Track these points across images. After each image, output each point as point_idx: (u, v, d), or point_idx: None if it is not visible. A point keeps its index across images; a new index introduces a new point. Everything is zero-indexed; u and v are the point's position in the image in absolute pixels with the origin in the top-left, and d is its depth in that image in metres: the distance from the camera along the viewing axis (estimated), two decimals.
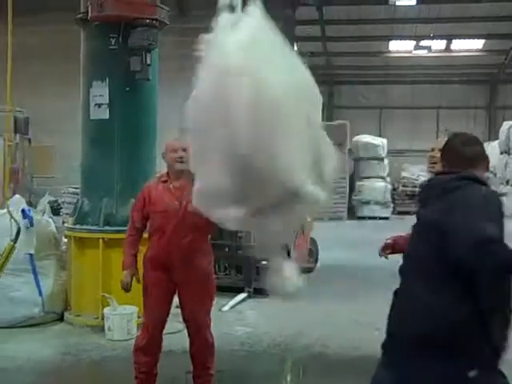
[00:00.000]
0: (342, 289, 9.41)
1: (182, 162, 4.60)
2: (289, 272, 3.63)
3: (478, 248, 2.57)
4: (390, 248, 3.62)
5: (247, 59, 2.94)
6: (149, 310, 4.80)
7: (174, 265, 4.66)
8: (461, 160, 3.01)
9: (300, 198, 3.04)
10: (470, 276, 2.70)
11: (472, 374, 2.74)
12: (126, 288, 4.82)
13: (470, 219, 2.67)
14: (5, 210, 7.25)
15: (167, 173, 4.81)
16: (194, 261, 4.68)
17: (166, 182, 4.75)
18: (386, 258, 3.69)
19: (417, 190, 22.71)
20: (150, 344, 4.73)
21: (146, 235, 4.92)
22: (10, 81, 6.95)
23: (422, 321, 2.80)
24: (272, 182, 2.97)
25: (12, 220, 6.94)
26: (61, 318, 7.30)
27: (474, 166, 3.01)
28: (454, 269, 2.70)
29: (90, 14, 7.03)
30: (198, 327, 4.80)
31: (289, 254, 9.30)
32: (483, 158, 3.11)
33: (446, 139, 4.13)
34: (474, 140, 3.16)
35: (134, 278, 4.84)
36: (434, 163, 4.13)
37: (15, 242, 6.68)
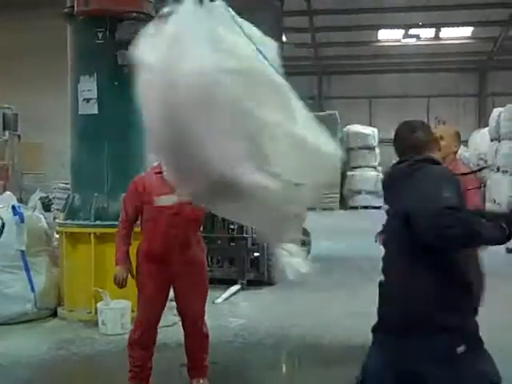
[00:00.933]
0: (336, 278, 9.43)
1: None
2: (295, 255, 3.64)
3: (441, 216, 2.66)
4: None
5: (161, 53, 2.92)
6: (143, 304, 4.78)
7: (170, 257, 4.65)
8: (413, 146, 3.12)
9: (237, 187, 2.94)
10: (439, 249, 2.79)
11: (460, 349, 2.81)
12: (122, 284, 4.77)
13: (431, 193, 2.77)
14: None
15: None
16: (190, 252, 4.68)
17: (160, 173, 4.56)
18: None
19: None
20: (144, 337, 4.73)
21: (137, 229, 4.91)
22: None
23: (402, 302, 2.90)
24: (199, 171, 2.96)
25: None
26: (54, 314, 7.30)
27: (428, 150, 3.12)
28: (423, 244, 2.78)
29: (76, 9, 7.00)
30: (194, 319, 4.81)
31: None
32: (434, 140, 3.25)
33: (437, 127, 4.18)
34: (420, 125, 3.25)
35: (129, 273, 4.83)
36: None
37: None
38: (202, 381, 4.90)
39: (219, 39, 2.91)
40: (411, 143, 3.14)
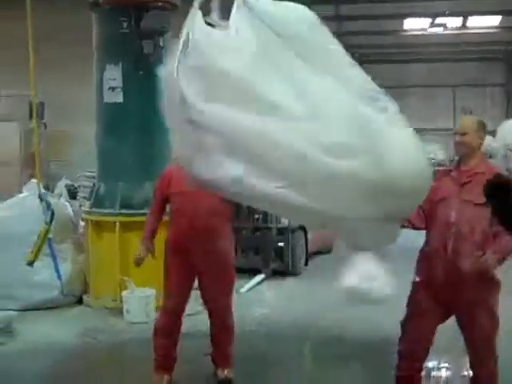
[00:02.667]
0: None
1: None
2: (370, 273, 3.47)
3: None
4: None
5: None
6: (169, 293, 4.81)
7: (193, 248, 4.66)
8: None
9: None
10: None
11: None
12: (138, 263, 4.87)
13: None
14: (27, 194, 7.29)
15: None
16: (214, 244, 4.67)
17: None
18: None
19: (434, 168, 22.54)
20: (169, 326, 4.76)
21: (167, 218, 4.94)
22: (33, 65, 6.96)
23: None
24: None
25: (44, 203, 6.92)
26: (79, 301, 7.37)
27: None
28: None
29: None
30: (217, 310, 4.82)
31: (305, 234, 9.31)
32: None
33: (464, 119, 4.08)
34: None
35: (150, 255, 4.86)
36: (461, 147, 4.03)
37: (49, 225, 6.70)
38: (226, 370, 4.91)
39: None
40: None
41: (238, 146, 2.90)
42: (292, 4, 3.16)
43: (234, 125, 2.90)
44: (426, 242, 4.03)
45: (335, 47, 3.12)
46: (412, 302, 4.06)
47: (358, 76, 3.09)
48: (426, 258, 4.00)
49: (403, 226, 3.87)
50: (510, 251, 3.82)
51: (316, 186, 2.86)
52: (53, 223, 6.88)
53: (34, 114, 7.56)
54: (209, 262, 4.68)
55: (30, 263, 6.59)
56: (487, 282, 3.85)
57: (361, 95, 2.98)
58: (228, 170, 2.90)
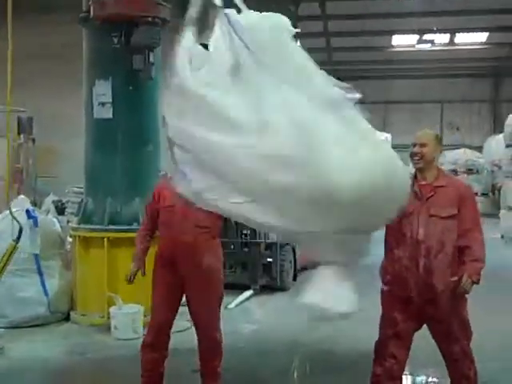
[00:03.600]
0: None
1: None
2: (331, 289, 3.36)
3: None
4: None
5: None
6: (156, 307, 4.79)
7: (178, 261, 4.66)
8: None
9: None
10: None
11: None
12: (129, 280, 4.87)
13: None
14: (7, 212, 7.24)
15: None
16: (201, 258, 4.66)
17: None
18: None
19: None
20: (157, 341, 4.72)
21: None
22: (11, 81, 6.95)
23: None
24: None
25: (14, 220, 6.90)
26: (67, 318, 7.32)
27: None
28: None
29: (92, 13, 7.02)
30: (204, 325, 4.79)
31: (294, 249, 9.30)
32: None
33: (424, 131, 4.07)
34: None
35: (140, 272, 4.85)
36: (420, 158, 4.05)
37: (17, 242, 6.68)
38: None
39: None
40: None
41: (202, 161, 3.00)
42: (268, 13, 3.22)
43: (198, 141, 3.01)
44: (393, 258, 4.01)
45: (302, 55, 3.18)
46: (386, 321, 4.07)
47: (323, 84, 3.12)
48: (396, 276, 3.99)
49: None
50: (482, 267, 3.86)
51: (267, 202, 2.90)
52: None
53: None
54: (196, 277, 4.67)
55: None
56: (460, 297, 3.93)
57: (323, 104, 3.00)
58: (190, 184, 2.99)
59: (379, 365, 4.08)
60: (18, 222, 6.83)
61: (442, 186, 3.94)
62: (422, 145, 3.99)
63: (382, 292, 4.12)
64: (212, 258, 4.77)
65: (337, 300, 3.38)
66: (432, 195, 3.92)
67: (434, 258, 3.84)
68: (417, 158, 4.00)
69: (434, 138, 4.07)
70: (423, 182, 3.98)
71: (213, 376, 4.88)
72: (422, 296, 3.89)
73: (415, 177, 4.02)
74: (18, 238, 6.64)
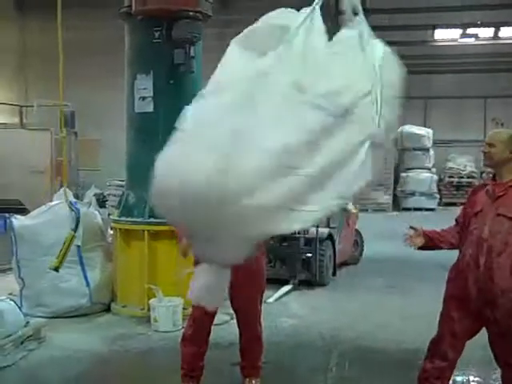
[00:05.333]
0: (388, 281, 9.31)
1: None
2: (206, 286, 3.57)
3: None
4: (418, 236, 4.02)
5: None
6: None
7: None
8: None
9: None
10: None
11: None
12: (184, 254, 4.70)
13: None
14: (58, 202, 7.37)
15: None
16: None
17: None
18: (411, 246, 4.05)
19: (463, 180, 22.36)
20: (197, 335, 4.74)
21: None
22: (62, 77, 7.04)
23: None
24: None
25: (71, 210, 7.00)
26: (107, 309, 7.40)
27: None
28: None
29: (133, 8, 7.07)
30: (246, 318, 4.81)
31: (333, 244, 9.27)
32: None
33: (496, 131, 4.02)
34: None
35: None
36: (488, 158, 3.96)
37: (75, 231, 6.76)
38: (254, 381, 4.90)
39: None
40: None
41: None
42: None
43: None
44: (460, 256, 3.99)
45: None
46: (443, 319, 4.02)
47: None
48: (458, 273, 3.95)
49: (438, 247, 3.91)
50: None
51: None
52: (79, 230, 6.96)
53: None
54: (239, 272, 4.66)
55: (55, 269, 6.66)
56: None
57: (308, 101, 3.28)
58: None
59: (430, 362, 4.03)
60: (75, 212, 6.90)
61: None
62: (490, 145, 3.95)
63: (445, 289, 4.07)
64: (256, 251, 4.76)
65: (210, 297, 3.64)
66: (502, 194, 3.86)
67: (495, 257, 3.77)
68: (484, 157, 3.99)
69: (505, 139, 3.95)
70: (498, 182, 3.94)
71: (253, 370, 4.90)
72: (481, 296, 3.82)
73: (494, 176, 4.00)
74: (76, 228, 6.72)
